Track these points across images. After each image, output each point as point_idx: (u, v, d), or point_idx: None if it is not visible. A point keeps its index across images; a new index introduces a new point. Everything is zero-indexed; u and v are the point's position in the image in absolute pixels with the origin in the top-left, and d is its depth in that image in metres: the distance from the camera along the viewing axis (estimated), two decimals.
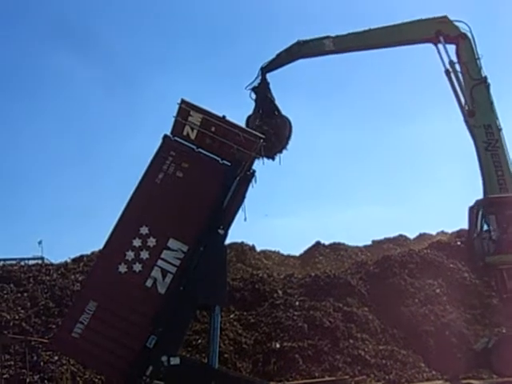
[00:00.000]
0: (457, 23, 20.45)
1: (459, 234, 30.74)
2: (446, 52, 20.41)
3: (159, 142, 17.33)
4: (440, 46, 20.47)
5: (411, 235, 35.56)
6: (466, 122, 20.39)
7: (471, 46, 20.37)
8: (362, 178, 53.79)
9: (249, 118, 19.83)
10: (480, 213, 19.93)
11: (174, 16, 62.22)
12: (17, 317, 22.27)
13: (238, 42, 60.80)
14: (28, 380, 18.51)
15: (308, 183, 54.91)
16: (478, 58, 20.37)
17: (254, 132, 17.86)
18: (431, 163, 48.62)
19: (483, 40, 21.73)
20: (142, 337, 16.19)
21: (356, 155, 57.11)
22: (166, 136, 17.53)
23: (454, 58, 20.49)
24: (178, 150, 17.41)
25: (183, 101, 17.55)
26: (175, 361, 16.30)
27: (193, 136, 17.45)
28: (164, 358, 16.18)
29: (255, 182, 17.69)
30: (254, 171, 17.69)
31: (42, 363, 20.17)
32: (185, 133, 17.44)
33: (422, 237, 35.08)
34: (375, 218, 47.65)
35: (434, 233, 35.24)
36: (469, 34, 20.35)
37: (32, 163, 56.22)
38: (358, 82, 56.46)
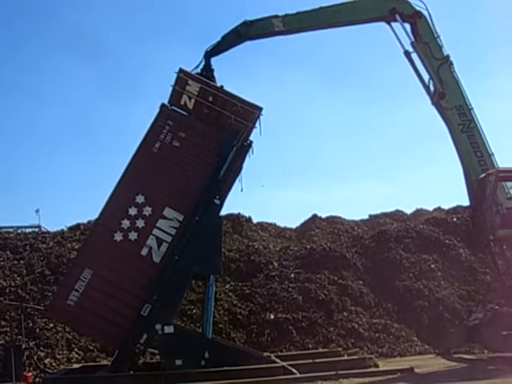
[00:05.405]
0: (411, 0, 19.43)
1: (456, 210, 30.72)
2: (406, 31, 19.45)
3: None
4: (394, 25, 19.45)
5: (408, 210, 35.34)
6: (435, 104, 19.59)
7: (428, 24, 19.49)
8: (361, 154, 53.60)
9: None
10: (491, 185, 18.90)
11: (175, 17, 61.32)
12: (13, 284, 22.33)
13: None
14: (24, 346, 18.60)
15: (306, 157, 54.67)
16: (438, 37, 19.49)
17: (252, 102, 17.78)
18: (429, 141, 48.46)
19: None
20: (136, 305, 16.30)
21: (354, 131, 56.84)
22: (163, 105, 17.46)
23: (412, 38, 19.43)
24: (175, 119, 17.37)
25: (181, 70, 17.45)
26: (169, 329, 16.42)
27: (190, 105, 17.41)
28: (158, 327, 16.31)
29: (252, 152, 17.70)
30: (251, 142, 17.68)
31: (37, 330, 20.28)
32: (182, 102, 17.40)
33: (418, 212, 34.90)
34: (373, 193, 47.67)
35: (430, 209, 35.09)
36: (425, 12, 19.44)
37: (31, 130, 55.94)
38: (359, 59, 55.88)
